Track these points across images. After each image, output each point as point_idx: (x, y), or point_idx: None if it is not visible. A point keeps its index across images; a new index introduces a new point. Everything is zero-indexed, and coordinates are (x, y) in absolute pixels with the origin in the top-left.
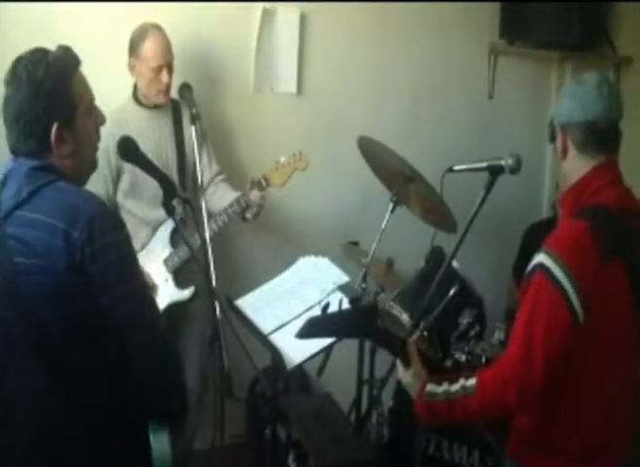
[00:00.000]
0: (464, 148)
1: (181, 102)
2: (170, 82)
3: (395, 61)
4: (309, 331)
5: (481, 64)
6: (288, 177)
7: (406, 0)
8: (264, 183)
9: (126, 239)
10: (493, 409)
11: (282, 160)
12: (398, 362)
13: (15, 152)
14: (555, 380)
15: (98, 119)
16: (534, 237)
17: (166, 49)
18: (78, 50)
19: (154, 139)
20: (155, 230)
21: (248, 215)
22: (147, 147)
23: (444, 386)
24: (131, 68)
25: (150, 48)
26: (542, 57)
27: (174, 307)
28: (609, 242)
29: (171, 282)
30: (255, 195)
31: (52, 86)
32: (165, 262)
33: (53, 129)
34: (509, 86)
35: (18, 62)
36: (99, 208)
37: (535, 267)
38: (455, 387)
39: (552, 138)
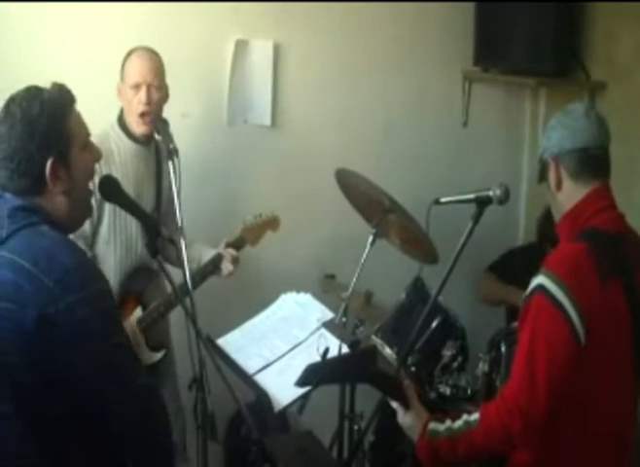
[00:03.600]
0: (439, 176)
1: (157, 138)
2: (152, 108)
3: (369, 91)
4: (309, 378)
5: (455, 92)
6: (260, 237)
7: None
8: (239, 243)
9: (105, 293)
10: (498, 441)
11: (249, 219)
12: (396, 405)
13: (2, 189)
14: (558, 410)
15: (94, 154)
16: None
17: (149, 68)
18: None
19: (135, 173)
20: (122, 280)
21: (224, 272)
22: (129, 180)
23: (447, 423)
24: (119, 93)
25: (131, 65)
26: (516, 84)
27: None
28: (608, 264)
29: (143, 344)
30: (231, 254)
31: (47, 123)
32: (139, 322)
33: (48, 165)
34: (483, 113)
35: (12, 101)
36: (77, 258)
37: (534, 289)
38: (458, 423)
39: (542, 177)
